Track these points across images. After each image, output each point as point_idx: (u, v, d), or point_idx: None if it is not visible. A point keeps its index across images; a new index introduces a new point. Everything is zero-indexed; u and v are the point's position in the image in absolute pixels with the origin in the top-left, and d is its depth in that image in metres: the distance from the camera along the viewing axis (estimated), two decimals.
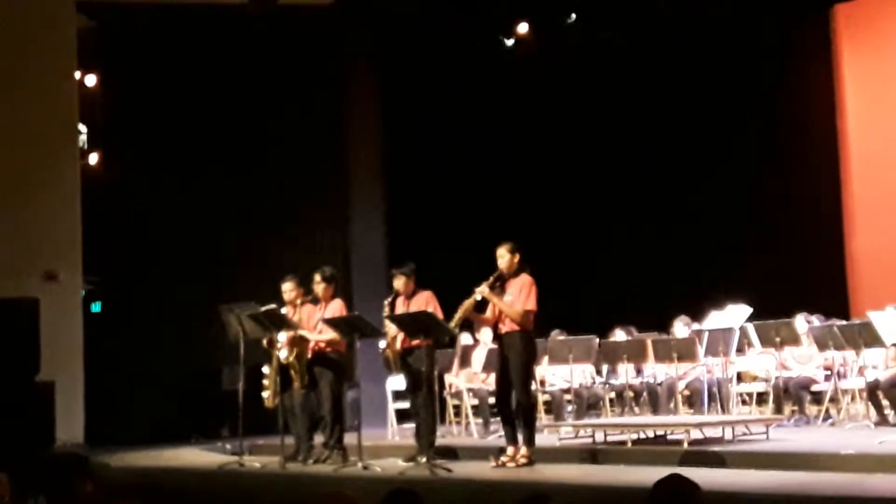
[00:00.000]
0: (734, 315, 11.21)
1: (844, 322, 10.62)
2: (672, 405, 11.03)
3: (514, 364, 8.61)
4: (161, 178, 13.70)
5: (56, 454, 10.65)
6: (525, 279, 8.67)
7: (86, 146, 14.31)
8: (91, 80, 13.88)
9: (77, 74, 13.44)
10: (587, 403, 11.48)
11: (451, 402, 11.79)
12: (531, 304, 8.60)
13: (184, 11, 13.57)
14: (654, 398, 11.18)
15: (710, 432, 9.23)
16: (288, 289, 9.89)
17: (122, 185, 13.79)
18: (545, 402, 11.60)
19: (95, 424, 12.70)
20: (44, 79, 12.94)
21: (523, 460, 8.61)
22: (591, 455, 9.03)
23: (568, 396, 11.42)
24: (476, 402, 11.19)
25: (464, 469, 8.73)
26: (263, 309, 9.60)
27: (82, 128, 13.99)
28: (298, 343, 9.65)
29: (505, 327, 8.70)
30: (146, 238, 13.64)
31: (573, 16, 13.59)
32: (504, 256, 8.70)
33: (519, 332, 8.61)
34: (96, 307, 14.41)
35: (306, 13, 13.70)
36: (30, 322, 11.11)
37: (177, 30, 13.71)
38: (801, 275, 13.28)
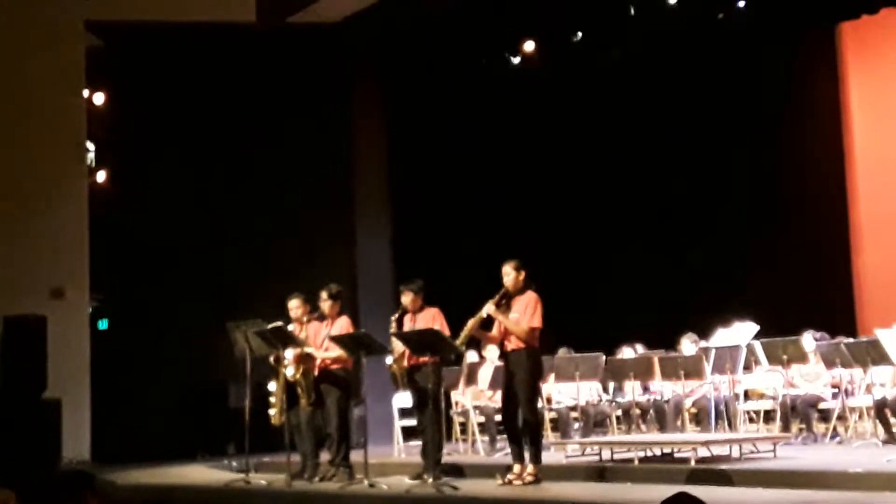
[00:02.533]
0: (741, 332, 11.19)
1: (852, 340, 10.59)
2: (679, 423, 10.99)
3: (520, 381, 8.60)
4: (168, 195, 13.74)
5: (62, 471, 10.65)
6: (530, 296, 8.66)
7: (93, 164, 14.36)
8: (99, 99, 13.94)
9: (85, 92, 13.51)
10: (594, 421, 11.46)
11: (457, 419, 11.77)
12: (536, 322, 8.60)
13: (191, 30, 13.62)
14: (660, 416, 11.15)
15: (718, 450, 9.21)
16: (294, 306, 9.89)
17: (130, 202, 13.83)
18: (552, 420, 11.59)
19: (102, 442, 12.71)
20: (52, 97, 13.02)
21: (530, 478, 8.58)
22: (598, 473, 9.00)
23: (574, 414, 11.39)
24: (482, 419, 11.17)
25: (470, 487, 8.71)
26: (270, 326, 9.61)
27: (90, 145, 14.05)
28: (305, 360, 9.64)
29: (511, 345, 8.70)
30: (153, 255, 13.66)
31: (579, 34, 13.61)
32: (509, 274, 8.70)
33: (525, 349, 8.61)
34: (103, 324, 14.43)
35: (313, 32, 13.74)
36: (37, 339, 11.16)
37: (184, 48, 13.76)
38: (808, 292, 13.25)
